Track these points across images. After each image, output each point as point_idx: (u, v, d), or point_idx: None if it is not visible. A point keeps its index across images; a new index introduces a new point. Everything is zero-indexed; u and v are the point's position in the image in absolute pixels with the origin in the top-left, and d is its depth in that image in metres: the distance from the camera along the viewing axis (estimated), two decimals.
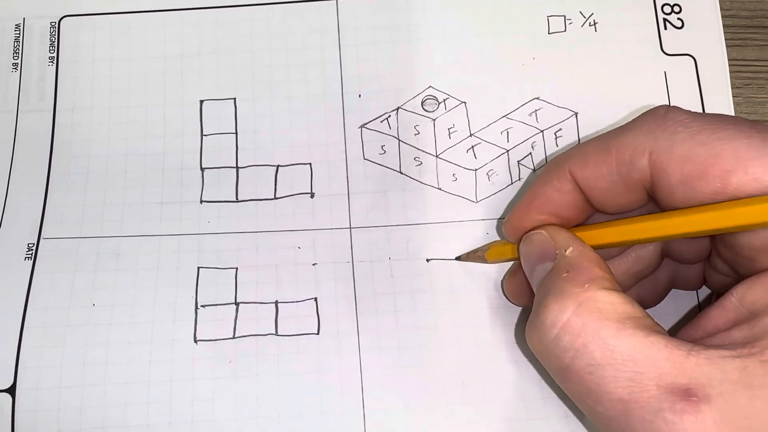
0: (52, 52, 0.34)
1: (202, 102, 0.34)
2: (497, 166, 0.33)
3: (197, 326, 0.30)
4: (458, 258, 0.31)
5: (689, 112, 0.23)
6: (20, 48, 0.34)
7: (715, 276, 0.27)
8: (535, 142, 0.33)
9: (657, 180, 0.22)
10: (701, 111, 0.33)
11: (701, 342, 0.21)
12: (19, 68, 0.34)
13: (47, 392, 0.29)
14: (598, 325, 0.21)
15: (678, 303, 0.30)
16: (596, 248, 0.25)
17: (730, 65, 0.33)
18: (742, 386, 0.19)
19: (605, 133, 0.25)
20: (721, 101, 0.33)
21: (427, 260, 0.31)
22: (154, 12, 0.35)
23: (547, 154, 0.33)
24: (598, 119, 0.33)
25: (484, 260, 0.30)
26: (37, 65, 0.34)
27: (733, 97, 0.33)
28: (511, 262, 0.30)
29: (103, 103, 0.34)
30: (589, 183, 0.24)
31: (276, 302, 0.31)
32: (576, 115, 0.33)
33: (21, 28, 0.35)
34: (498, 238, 0.32)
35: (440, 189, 0.32)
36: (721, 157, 0.21)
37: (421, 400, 0.29)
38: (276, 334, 0.30)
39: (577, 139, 0.33)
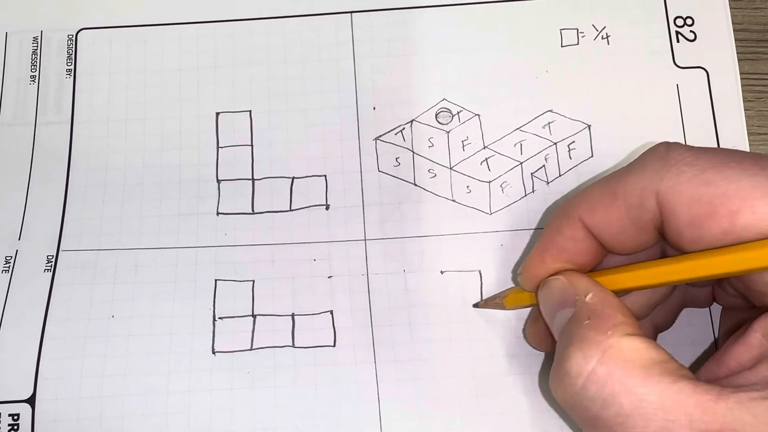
0: (69, 64, 0.35)
1: (218, 114, 0.34)
2: (511, 179, 0.33)
3: (215, 338, 0.30)
4: (476, 305, 0.31)
5: (691, 148, 0.23)
6: (38, 60, 0.35)
7: (725, 297, 0.27)
8: (548, 154, 0.33)
9: (666, 220, 0.22)
10: (713, 123, 0.33)
11: (726, 381, 0.21)
12: (36, 80, 0.34)
13: (67, 402, 0.29)
14: (625, 374, 0.21)
15: (694, 331, 0.30)
16: (615, 292, 0.25)
17: (741, 79, 0.34)
18: None
19: (609, 175, 0.25)
20: (733, 115, 0.33)
21: (441, 272, 0.32)
22: (170, 25, 0.35)
23: (561, 167, 0.33)
24: (611, 132, 0.33)
25: (502, 307, 0.30)
26: (55, 77, 0.34)
27: (744, 110, 0.33)
28: (530, 308, 0.30)
29: (119, 115, 0.34)
30: (600, 229, 0.24)
31: (293, 314, 0.31)
32: (589, 128, 0.33)
33: (39, 40, 0.35)
34: (515, 285, 0.31)
35: (454, 201, 0.33)
36: (728, 197, 0.21)
37: (437, 411, 0.29)
38: (293, 346, 0.30)
39: (590, 152, 0.33)
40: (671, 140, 0.32)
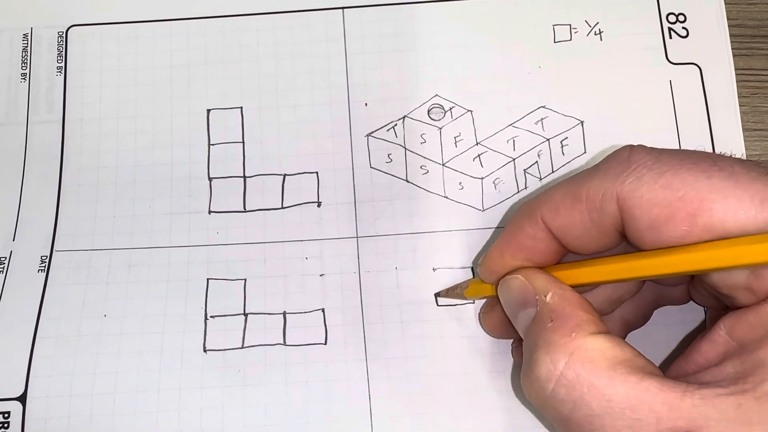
0: (60, 62, 0.35)
1: (209, 111, 0.34)
2: (503, 175, 0.33)
3: (207, 336, 0.30)
4: (437, 294, 0.31)
5: (652, 151, 0.23)
6: (29, 58, 0.35)
7: (699, 295, 0.27)
8: (541, 150, 0.33)
9: (626, 224, 0.22)
10: (707, 119, 0.33)
11: (694, 377, 0.21)
12: (27, 78, 0.34)
13: (58, 400, 0.30)
14: (592, 376, 0.21)
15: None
16: (576, 287, 0.25)
17: (737, 75, 0.33)
18: (740, 424, 0.19)
19: (572, 177, 0.24)
20: (728, 111, 0.33)
21: (434, 269, 0.32)
22: (160, 21, 0.35)
23: (553, 163, 0.33)
24: (604, 128, 0.33)
25: (463, 297, 0.30)
26: (46, 75, 0.34)
27: (740, 106, 0.33)
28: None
29: (111, 113, 0.34)
30: (562, 230, 0.24)
31: (284, 313, 0.31)
32: (582, 124, 0.33)
33: (29, 37, 0.35)
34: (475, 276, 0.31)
35: (447, 197, 0.33)
36: (685, 200, 0.21)
37: (428, 408, 0.29)
38: (284, 344, 0.30)
39: (583, 148, 0.33)
40: (664, 136, 0.33)
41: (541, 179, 0.33)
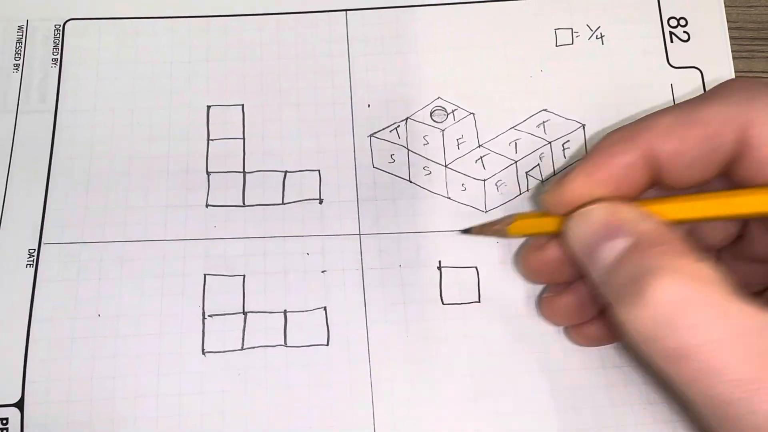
0: (55, 54, 0.34)
1: (209, 107, 0.33)
2: (506, 177, 0.33)
3: (205, 337, 0.29)
4: (467, 231, 0.29)
5: None
6: (22, 49, 0.34)
7: None
8: (543, 153, 0.33)
9: (743, 154, 0.21)
10: None
11: None
12: (20, 69, 0.33)
13: (56, 406, 0.28)
14: (722, 299, 0.19)
15: None
16: None
17: (737, 77, 0.34)
18: None
19: (680, 104, 0.23)
20: None
21: (438, 268, 0.31)
22: (162, 18, 0.34)
23: (555, 165, 0.33)
24: (606, 131, 0.33)
25: (502, 234, 0.27)
26: (40, 67, 0.33)
27: None
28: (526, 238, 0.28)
29: (106, 104, 0.33)
30: (669, 159, 0.23)
31: (285, 311, 0.30)
32: (583, 127, 0.33)
33: (24, 29, 0.34)
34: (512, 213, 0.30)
35: (449, 198, 0.32)
36: None
37: (432, 411, 0.28)
38: (285, 345, 0.29)
39: (584, 151, 0.33)
40: None
41: (543, 182, 0.33)
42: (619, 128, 0.24)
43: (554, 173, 0.33)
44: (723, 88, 0.23)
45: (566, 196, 0.24)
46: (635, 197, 0.24)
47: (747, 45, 0.35)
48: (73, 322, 0.29)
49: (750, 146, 0.21)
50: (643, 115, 0.24)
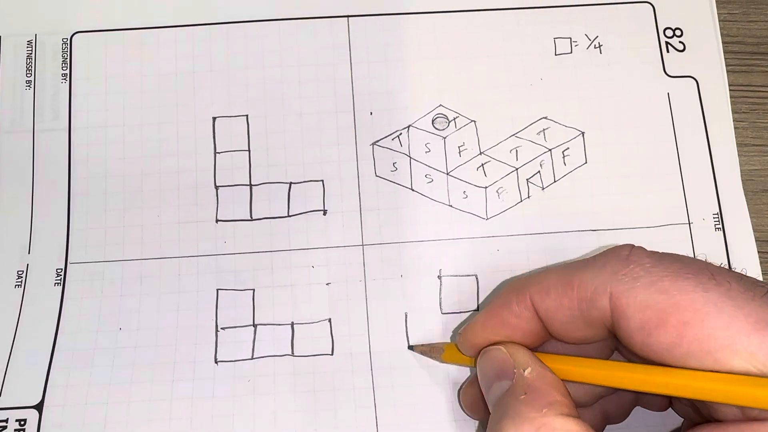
0: (64, 69, 0.34)
1: (214, 119, 0.34)
2: (507, 184, 0.33)
3: (218, 348, 0.31)
4: (411, 348, 0.31)
5: (652, 254, 0.23)
6: (33, 65, 0.34)
7: (679, 404, 0.27)
8: (543, 160, 0.34)
9: (616, 321, 0.22)
10: (704, 131, 0.34)
11: None
12: (32, 86, 0.34)
13: (73, 408, 0.30)
14: None
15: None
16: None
17: (736, 91, 0.34)
18: None
19: (568, 264, 0.25)
20: (723, 123, 0.34)
21: (438, 277, 0.32)
22: (165, 28, 0.35)
23: (555, 173, 0.34)
24: (605, 139, 0.34)
25: (439, 359, 0.30)
26: (51, 83, 0.34)
27: (738, 122, 0.34)
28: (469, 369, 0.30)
29: (116, 120, 0.34)
30: (549, 314, 0.24)
31: (292, 323, 0.31)
32: (583, 135, 0.34)
33: (33, 44, 0.35)
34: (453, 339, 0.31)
35: (451, 206, 0.33)
36: (679, 307, 0.21)
37: (431, 416, 0.30)
38: (292, 354, 0.31)
39: (584, 158, 0.34)
40: (662, 147, 0.33)
41: (543, 189, 0.33)
42: (515, 279, 0.26)
43: (554, 180, 0.34)
44: (606, 254, 0.24)
45: (470, 340, 0.27)
46: (538, 343, 0.26)
47: (747, 59, 0.35)
48: (96, 335, 0.31)
49: (619, 315, 0.22)
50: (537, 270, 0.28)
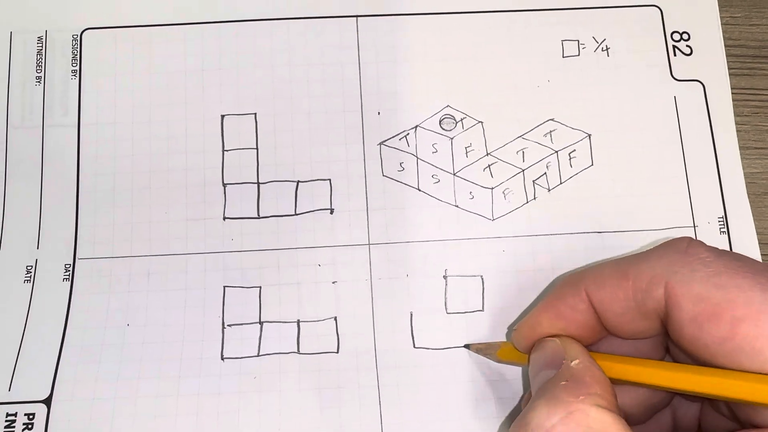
0: (74, 65, 0.34)
1: (223, 117, 0.34)
2: (513, 185, 0.34)
3: (224, 345, 0.31)
4: (467, 346, 0.31)
5: (711, 249, 0.23)
6: (43, 61, 0.35)
7: (712, 418, 0.26)
8: (549, 162, 0.34)
9: (670, 312, 0.23)
10: (710, 134, 0.34)
11: None
12: (42, 81, 0.34)
13: (81, 403, 0.30)
14: None
15: None
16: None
17: (738, 94, 0.34)
18: None
19: (624, 257, 0.25)
20: (727, 127, 0.34)
21: (444, 277, 0.32)
22: (174, 25, 0.35)
23: (562, 175, 0.34)
24: (611, 141, 0.34)
25: (495, 358, 0.30)
26: (60, 79, 0.34)
27: (741, 125, 0.34)
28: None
29: (125, 117, 0.34)
30: (604, 306, 0.24)
31: (298, 321, 0.31)
32: (589, 137, 0.34)
33: (44, 40, 0.35)
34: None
35: (457, 206, 0.33)
36: (735, 303, 0.21)
37: (436, 415, 0.30)
38: (298, 352, 0.31)
39: (590, 160, 0.34)
40: (668, 150, 0.34)
41: (549, 190, 0.34)
42: (571, 273, 0.26)
43: (561, 182, 0.34)
44: (663, 246, 0.24)
45: (524, 333, 0.27)
46: (593, 338, 0.26)
47: (749, 62, 0.35)
48: (104, 330, 0.31)
49: (672, 305, 0.22)
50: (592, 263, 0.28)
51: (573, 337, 0.25)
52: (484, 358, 0.31)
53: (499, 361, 0.30)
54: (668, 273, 0.22)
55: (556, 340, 0.25)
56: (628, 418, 0.23)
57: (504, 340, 0.31)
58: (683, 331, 0.22)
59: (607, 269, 0.24)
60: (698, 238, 0.25)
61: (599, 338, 0.26)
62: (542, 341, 0.26)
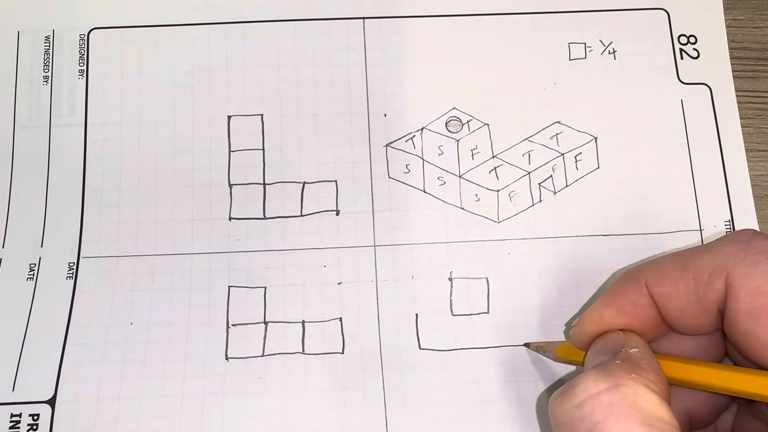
0: (81, 65, 0.35)
1: (229, 117, 0.34)
2: (519, 188, 0.34)
3: (228, 344, 0.31)
4: (527, 345, 0.31)
5: None
6: (50, 60, 0.35)
7: (747, 422, 0.26)
8: (555, 165, 0.34)
9: (728, 304, 0.22)
10: (717, 138, 0.34)
11: None
12: (49, 81, 0.34)
13: (85, 403, 0.30)
14: (626, 412, 0.20)
15: None
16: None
17: (741, 96, 0.34)
18: None
19: (684, 249, 0.24)
20: (733, 130, 0.34)
21: (449, 279, 0.32)
22: (181, 26, 0.35)
23: (568, 177, 0.34)
24: (617, 144, 0.34)
25: (553, 356, 0.29)
26: (67, 78, 0.34)
27: (744, 127, 0.34)
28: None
29: (132, 117, 0.34)
30: (664, 299, 0.24)
31: (303, 321, 0.31)
32: (596, 140, 0.34)
33: (51, 40, 0.35)
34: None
35: (463, 209, 0.33)
36: None
37: (441, 417, 0.30)
38: (303, 352, 0.31)
39: (596, 163, 0.34)
40: (675, 154, 0.34)
41: (555, 193, 0.33)
42: (630, 268, 0.26)
43: (567, 185, 0.34)
44: (725, 238, 0.24)
45: (586, 329, 0.26)
46: (654, 334, 0.25)
47: (752, 65, 0.35)
48: (107, 329, 0.31)
49: (731, 297, 0.22)
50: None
51: (635, 330, 0.25)
52: (492, 361, 0.31)
53: (556, 360, 0.29)
54: (729, 265, 0.22)
55: (620, 332, 0.25)
56: (696, 424, 0.23)
57: (507, 343, 0.31)
58: (738, 324, 0.22)
59: (668, 261, 0.24)
60: (702, 241, 0.25)
61: (660, 334, 0.26)
62: (606, 333, 0.25)
